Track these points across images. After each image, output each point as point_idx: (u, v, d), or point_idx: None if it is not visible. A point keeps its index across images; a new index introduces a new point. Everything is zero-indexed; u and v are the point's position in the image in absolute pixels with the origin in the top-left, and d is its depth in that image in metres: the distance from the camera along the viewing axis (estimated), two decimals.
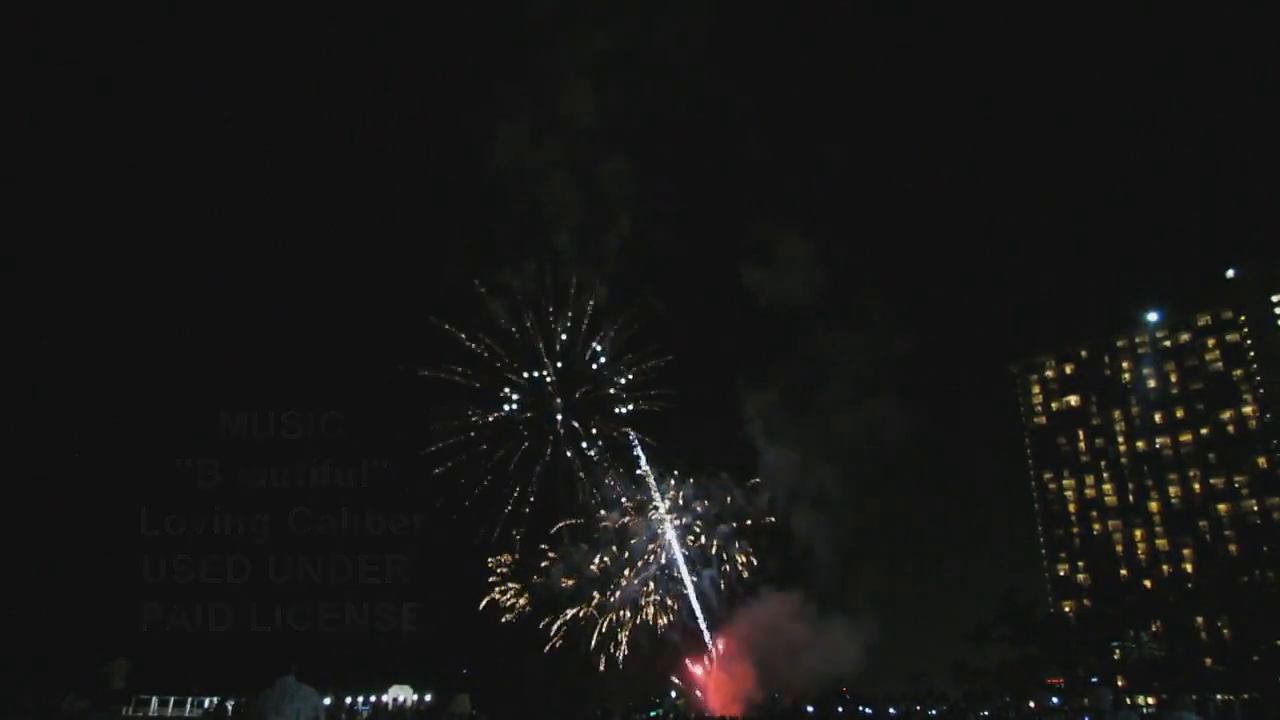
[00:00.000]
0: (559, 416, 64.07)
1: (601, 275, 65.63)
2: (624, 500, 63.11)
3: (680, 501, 63.34)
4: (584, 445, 64.14)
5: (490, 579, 62.19)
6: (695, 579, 62.60)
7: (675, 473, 64.00)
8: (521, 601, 61.73)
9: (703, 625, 62.28)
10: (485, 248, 63.67)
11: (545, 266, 64.72)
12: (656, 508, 62.93)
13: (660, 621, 62.09)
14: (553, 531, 62.67)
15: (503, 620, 61.84)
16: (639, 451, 63.75)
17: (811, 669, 59.20)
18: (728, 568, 62.66)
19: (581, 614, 61.39)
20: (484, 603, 61.93)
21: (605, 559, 61.81)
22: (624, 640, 60.97)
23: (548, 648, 61.07)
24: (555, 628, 61.23)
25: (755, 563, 63.00)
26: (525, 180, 64.41)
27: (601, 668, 60.76)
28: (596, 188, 65.42)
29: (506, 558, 62.44)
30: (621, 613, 61.44)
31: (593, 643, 61.19)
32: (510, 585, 62.12)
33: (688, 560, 62.99)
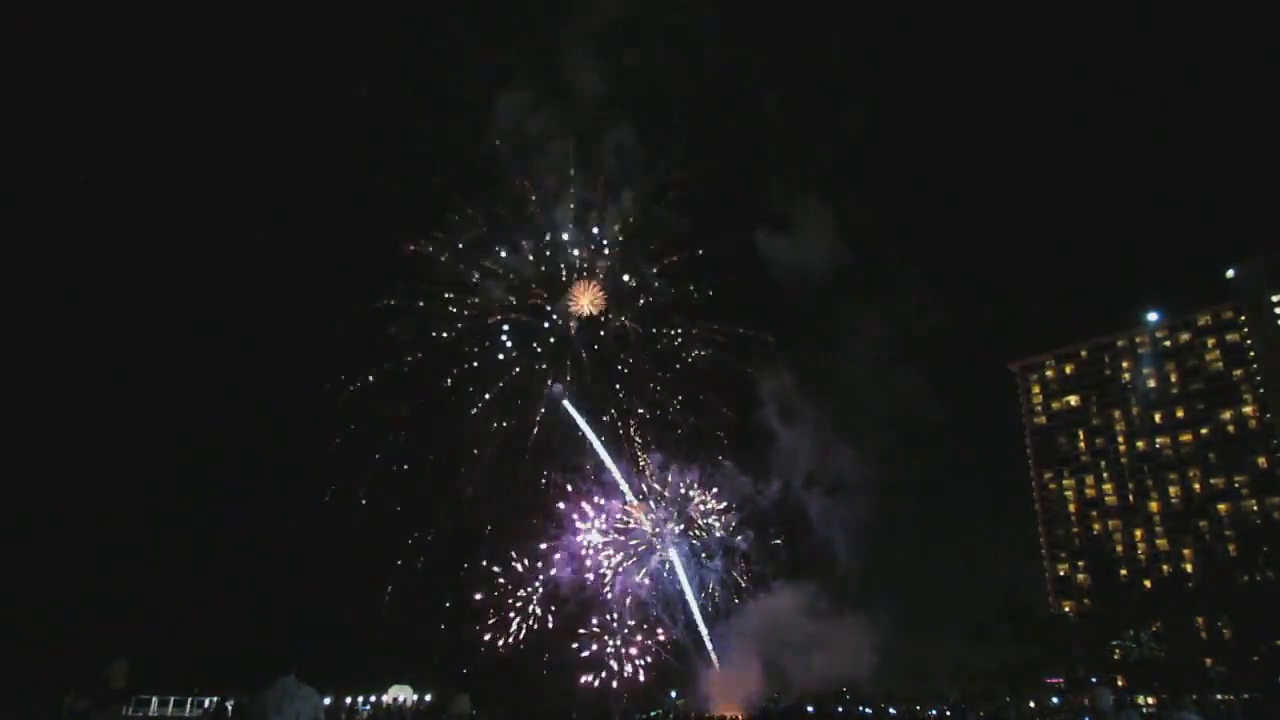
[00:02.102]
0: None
1: (605, 253, 63.04)
2: (625, 493, 61.94)
3: (682, 491, 62.00)
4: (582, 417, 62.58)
5: (481, 613, 60.34)
6: (698, 574, 61.81)
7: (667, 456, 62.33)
8: (516, 624, 60.54)
9: (701, 623, 61.76)
10: (479, 226, 60.83)
11: (543, 247, 62.26)
12: (659, 498, 61.94)
13: (660, 618, 61.51)
14: (544, 547, 61.34)
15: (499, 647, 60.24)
16: (638, 443, 62.67)
17: (820, 669, 58.59)
18: (726, 563, 61.83)
19: (589, 638, 60.33)
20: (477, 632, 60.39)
21: (600, 571, 60.89)
22: (622, 640, 60.41)
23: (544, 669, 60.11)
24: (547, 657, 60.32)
25: (762, 560, 61.88)
26: (523, 153, 61.77)
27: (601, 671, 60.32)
28: (600, 158, 62.96)
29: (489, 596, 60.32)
30: (621, 612, 60.94)
31: (592, 649, 60.53)
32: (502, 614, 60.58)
33: (690, 554, 62.14)
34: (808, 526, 62.55)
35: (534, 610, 60.72)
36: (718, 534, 62.50)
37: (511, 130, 60.71)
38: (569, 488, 62.42)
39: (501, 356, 61.91)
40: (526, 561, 61.33)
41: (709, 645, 61.88)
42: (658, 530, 62.03)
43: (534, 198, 61.63)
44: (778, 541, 63.03)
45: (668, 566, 62.36)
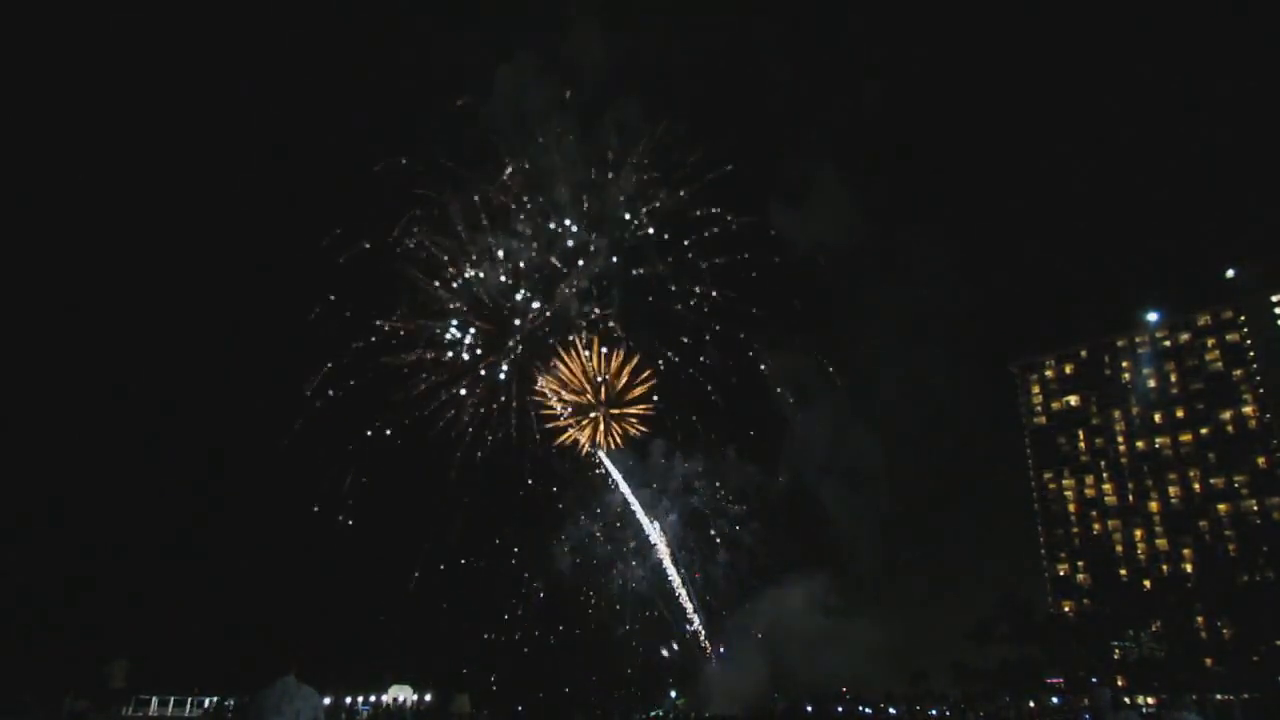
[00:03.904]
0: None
1: (609, 232, 60.69)
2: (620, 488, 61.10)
3: (686, 482, 60.88)
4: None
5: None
6: (699, 569, 61.15)
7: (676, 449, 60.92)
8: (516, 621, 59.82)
9: (701, 621, 61.37)
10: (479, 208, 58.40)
11: (550, 226, 60.24)
12: (662, 490, 61.07)
13: (662, 614, 61.00)
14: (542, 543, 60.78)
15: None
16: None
17: (823, 667, 57.98)
18: (731, 557, 60.97)
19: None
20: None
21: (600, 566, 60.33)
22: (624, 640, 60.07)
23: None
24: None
25: (767, 553, 60.91)
26: (528, 124, 59.34)
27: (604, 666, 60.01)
28: (609, 131, 60.36)
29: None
30: (622, 609, 60.58)
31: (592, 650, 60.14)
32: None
33: (691, 549, 61.39)
34: (812, 519, 61.74)
35: (533, 608, 60.52)
36: (722, 526, 61.78)
37: (511, 108, 58.82)
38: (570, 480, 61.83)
39: (481, 352, 60.58)
40: (525, 558, 60.95)
41: (710, 643, 61.61)
42: (660, 523, 61.47)
43: (516, 183, 59.76)
44: (791, 528, 61.80)
45: (669, 561, 61.82)
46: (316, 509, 59.00)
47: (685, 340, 61.99)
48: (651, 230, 61.31)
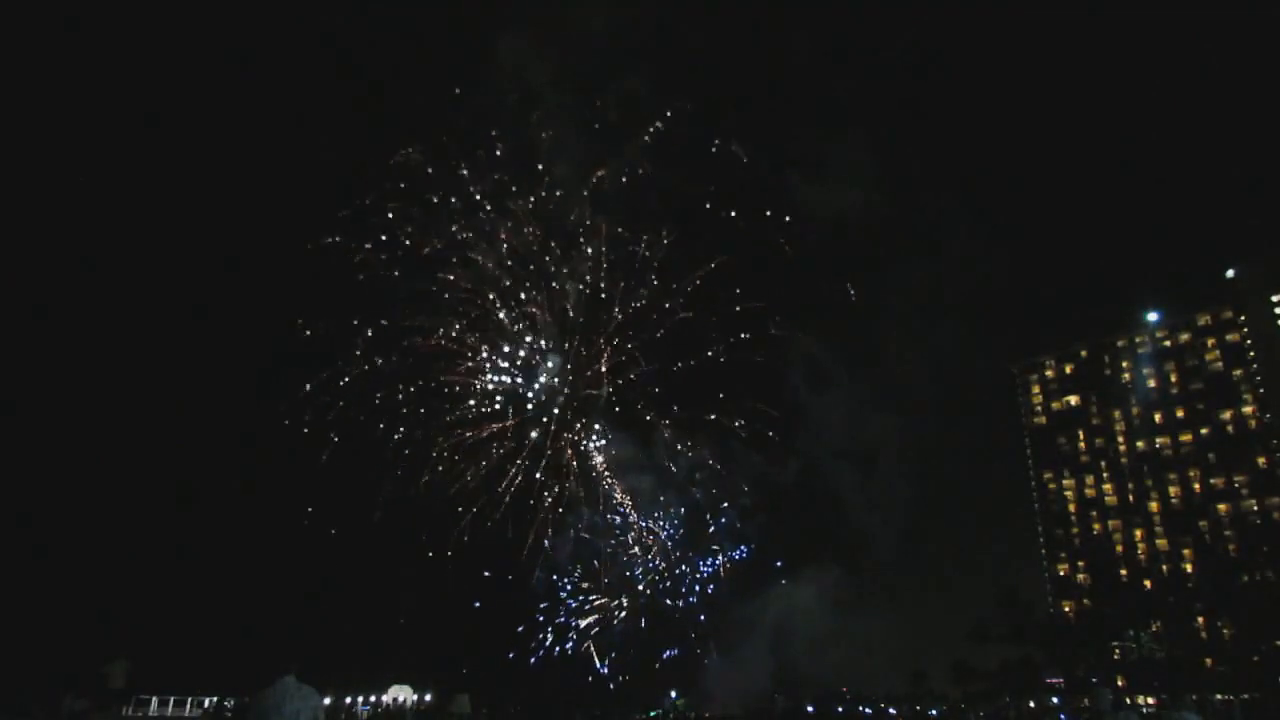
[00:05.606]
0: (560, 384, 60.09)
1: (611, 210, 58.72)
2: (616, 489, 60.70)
3: (690, 472, 60.14)
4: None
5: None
6: (701, 563, 60.71)
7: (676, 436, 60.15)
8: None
9: (702, 617, 61.10)
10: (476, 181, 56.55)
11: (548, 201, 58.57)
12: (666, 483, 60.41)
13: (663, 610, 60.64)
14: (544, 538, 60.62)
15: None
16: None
17: (830, 665, 57.39)
18: (733, 552, 60.48)
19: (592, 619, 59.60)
20: None
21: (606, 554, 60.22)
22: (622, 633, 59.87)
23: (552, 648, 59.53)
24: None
25: (770, 547, 60.27)
26: (527, 97, 57.28)
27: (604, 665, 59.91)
28: (610, 102, 58.06)
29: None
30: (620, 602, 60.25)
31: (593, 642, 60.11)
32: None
33: (694, 542, 60.90)
34: (821, 510, 60.92)
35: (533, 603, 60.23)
36: (724, 521, 61.27)
37: (511, 82, 56.82)
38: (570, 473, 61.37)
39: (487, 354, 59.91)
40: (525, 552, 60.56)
41: (711, 641, 61.34)
42: (661, 516, 61.03)
43: (499, 173, 58.00)
44: (798, 521, 61.08)
45: (670, 556, 61.43)
46: (320, 511, 59.04)
47: (690, 330, 61.16)
48: (658, 214, 60.04)
